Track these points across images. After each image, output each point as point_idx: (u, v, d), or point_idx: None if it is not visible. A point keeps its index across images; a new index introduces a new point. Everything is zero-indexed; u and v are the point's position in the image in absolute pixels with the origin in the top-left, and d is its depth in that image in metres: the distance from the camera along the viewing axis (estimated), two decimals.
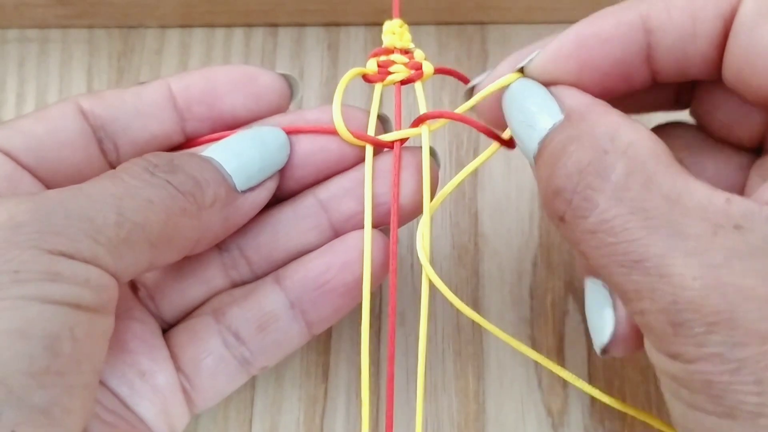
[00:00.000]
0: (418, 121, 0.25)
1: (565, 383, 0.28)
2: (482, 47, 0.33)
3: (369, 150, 0.24)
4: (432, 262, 0.30)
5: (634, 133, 0.20)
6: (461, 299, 0.29)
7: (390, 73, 0.26)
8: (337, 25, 0.33)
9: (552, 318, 0.29)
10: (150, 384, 0.24)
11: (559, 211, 0.21)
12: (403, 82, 0.26)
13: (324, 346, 0.29)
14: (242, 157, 0.24)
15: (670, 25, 0.21)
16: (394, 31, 0.26)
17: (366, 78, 0.26)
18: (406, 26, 0.26)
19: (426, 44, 0.33)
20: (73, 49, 0.33)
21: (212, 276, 0.26)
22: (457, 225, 0.30)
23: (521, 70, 0.23)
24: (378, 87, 0.26)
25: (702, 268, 0.18)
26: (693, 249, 0.18)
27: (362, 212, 0.24)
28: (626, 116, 0.21)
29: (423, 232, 0.24)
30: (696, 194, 0.19)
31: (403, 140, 0.25)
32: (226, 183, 0.23)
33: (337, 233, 0.25)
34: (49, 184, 0.23)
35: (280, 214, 0.25)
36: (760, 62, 0.20)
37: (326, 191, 0.25)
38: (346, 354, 0.28)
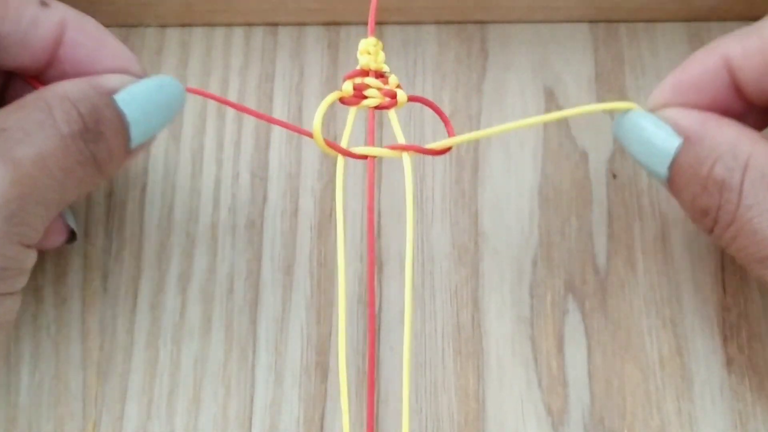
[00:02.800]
0: (396, 148, 0.25)
1: (565, 383, 0.28)
2: (482, 46, 0.33)
3: (340, 160, 0.25)
4: (432, 262, 0.30)
5: (751, 145, 0.23)
6: (461, 298, 0.30)
7: (365, 97, 0.26)
8: (337, 24, 0.33)
9: (552, 317, 0.29)
10: None
11: (707, 226, 0.25)
12: (377, 108, 0.26)
13: (324, 346, 0.29)
14: (150, 124, 0.25)
15: (748, 65, 0.24)
16: (370, 51, 0.27)
17: (342, 101, 0.26)
18: (380, 45, 0.27)
19: (426, 44, 0.33)
20: None
21: None
22: (456, 224, 0.30)
23: None
24: (352, 110, 0.26)
25: None
26: None
27: None
28: (739, 125, 0.24)
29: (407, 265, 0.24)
30: None
31: (374, 157, 0.26)
32: (128, 147, 0.25)
33: None
34: None
35: None
36: None
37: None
38: (346, 354, 0.28)
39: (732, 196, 0.23)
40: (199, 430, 0.28)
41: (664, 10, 0.32)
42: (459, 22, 0.33)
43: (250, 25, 0.33)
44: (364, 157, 0.26)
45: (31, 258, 0.24)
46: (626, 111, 0.26)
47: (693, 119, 0.25)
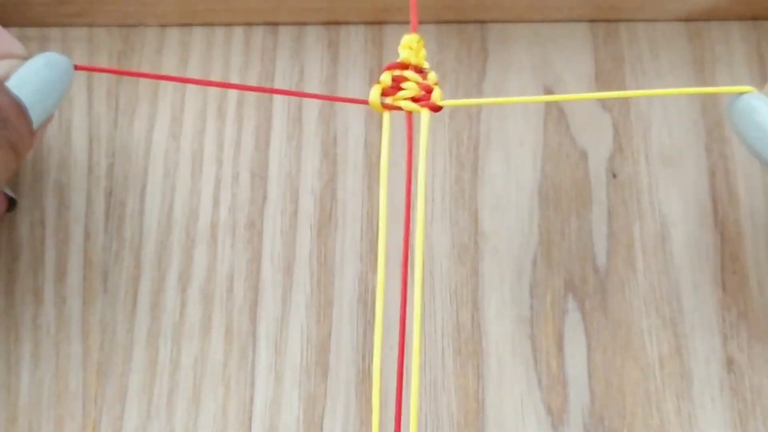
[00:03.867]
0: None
1: (564, 382, 0.28)
2: (482, 46, 0.33)
3: (386, 116, 0.26)
4: (432, 261, 0.30)
5: None
6: (461, 298, 0.29)
7: (402, 89, 0.26)
8: (338, 23, 0.33)
9: (552, 317, 0.29)
10: None
11: None
12: (413, 100, 0.26)
13: (324, 346, 0.29)
14: (46, 104, 0.25)
15: None
16: (412, 46, 0.27)
17: (381, 92, 0.27)
18: (422, 43, 0.27)
19: (426, 43, 0.32)
20: (72, 48, 0.33)
21: None
22: (456, 223, 0.30)
23: None
24: (388, 100, 0.26)
25: None
26: None
27: None
28: None
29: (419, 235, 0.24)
30: None
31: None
32: (31, 130, 0.25)
33: None
34: None
35: None
36: None
37: None
38: (346, 353, 0.28)
39: None
40: (199, 430, 0.28)
41: (664, 10, 0.32)
42: (459, 22, 0.33)
43: (250, 24, 0.33)
44: (399, 108, 0.26)
45: None
46: (741, 93, 0.26)
47: None
